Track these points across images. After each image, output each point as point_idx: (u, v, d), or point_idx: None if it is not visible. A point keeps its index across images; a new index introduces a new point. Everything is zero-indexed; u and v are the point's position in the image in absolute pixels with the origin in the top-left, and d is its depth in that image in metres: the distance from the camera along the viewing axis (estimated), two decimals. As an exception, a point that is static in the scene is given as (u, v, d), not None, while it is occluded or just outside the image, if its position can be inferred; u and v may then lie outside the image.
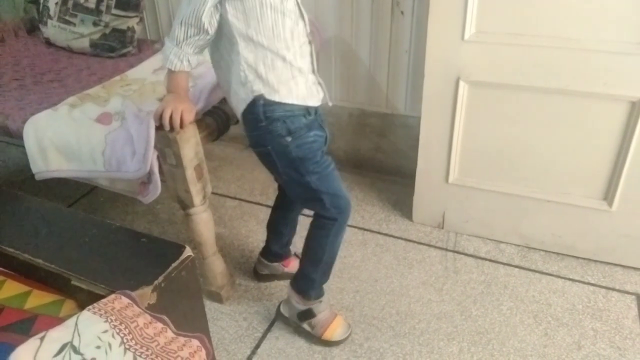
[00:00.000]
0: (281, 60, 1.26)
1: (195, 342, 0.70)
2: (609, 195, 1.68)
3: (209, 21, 1.21)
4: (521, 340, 1.53)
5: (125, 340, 0.65)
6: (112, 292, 0.73)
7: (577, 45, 1.51)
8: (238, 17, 1.21)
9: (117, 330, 0.65)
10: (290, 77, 1.28)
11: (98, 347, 0.66)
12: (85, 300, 0.79)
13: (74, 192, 2.22)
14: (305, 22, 1.31)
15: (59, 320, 0.81)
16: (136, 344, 0.65)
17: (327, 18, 2.06)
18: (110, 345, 0.64)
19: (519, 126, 1.68)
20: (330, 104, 1.46)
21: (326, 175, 1.37)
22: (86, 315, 0.67)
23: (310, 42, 1.34)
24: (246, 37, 1.23)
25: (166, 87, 1.38)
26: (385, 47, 2.04)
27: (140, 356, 0.64)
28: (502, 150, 1.75)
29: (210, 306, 1.68)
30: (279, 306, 1.61)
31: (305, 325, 1.55)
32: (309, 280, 1.51)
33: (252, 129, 1.34)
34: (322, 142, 1.39)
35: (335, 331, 1.54)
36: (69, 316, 0.82)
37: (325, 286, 1.57)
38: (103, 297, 0.74)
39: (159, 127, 1.37)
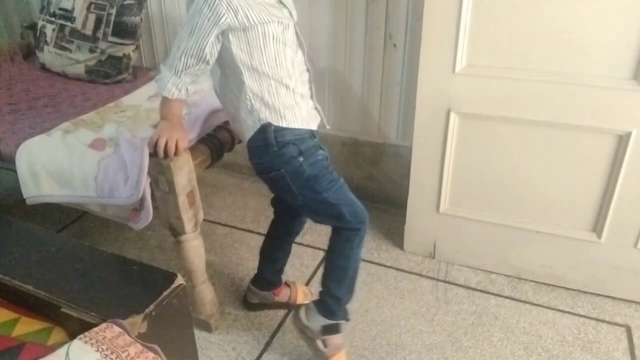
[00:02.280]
0: (284, 88, 1.30)
1: None
2: (597, 226, 1.70)
3: (211, 52, 1.24)
4: (512, 372, 1.53)
5: None
6: (103, 320, 0.72)
7: (565, 79, 1.54)
8: (242, 47, 1.24)
9: None
10: (294, 103, 1.33)
11: (88, 377, 0.65)
12: (74, 328, 0.78)
13: (64, 217, 2.20)
14: (304, 51, 1.36)
15: (47, 349, 0.80)
16: None
17: (321, 48, 2.10)
18: (101, 375, 0.63)
19: (508, 158, 1.71)
20: (327, 127, 1.50)
21: (339, 187, 1.39)
22: (77, 344, 0.66)
23: (308, 70, 1.39)
24: (250, 67, 1.26)
25: (160, 113, 1.39)
26: (377, 78, 2.08)
27: (131, 386, 0.63)
28: (492, 181, 1.77)
29: (199, 335, 1.66)
30: (296, 312, 1.52)
31: (320, 342, 1.49)
32: (336, 299, 1.47)
33: (261, 155, 1.35)
34: (328, 159, 1.42)
35: (342, 357, 1.52)
36: (58, 344, 0.81)
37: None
38: (93, 325, 0.73)
39: (153, 154, 1.37)
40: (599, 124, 1.56)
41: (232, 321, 1.72)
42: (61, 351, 0.67)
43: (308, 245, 2.03)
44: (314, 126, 1.40)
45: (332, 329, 1.48)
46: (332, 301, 1.47)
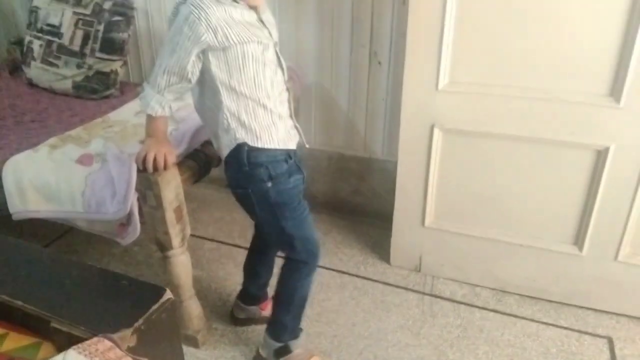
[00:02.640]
0: (262, 108, 1.31)
1: None
2: (579, 240, 1.73)
3: (192, 70, 1.26)
4: (498, 384, 1.54)
5: None
6: (93, 334, 0.72)
7: (545, 95, 1.59)
8: (221, 67, 1.26)
9: None
10: (271, 123, 1.34)
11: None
12: (63, 342, 0.78)
13: (50, 232, 2.19)
14: (284, 71, 1.38)
15: (34, 364, 0.80)
16: None
17: (307, 65, 2.14)
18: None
19: (491, 172, 1.74)
20: (307, 146, 1.51)
21: (301, 220, 1.42)
22: (73, 354, 0.66)
23: (288, 89, 1.40)
24: (229, 87, 1.28)
25: (146, 131, 1.40)
26: (363, 95, 2.12)
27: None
28: (475, 196, 1.80)
29: (186, 350, 1.65)
30: (257, 351, 1.60)
31: None
32: (282, 324, 1.53)
33: (234, 171, 1.37)
34: (301, 186, 1.43)
35: None
36: (47, 359, 0.81)
37: (302, 329, 1.58)
38: (83, 339, 0.73)
39: (141, 170, 1.38)
40: (578, 140, 1.60)
41: (219, 336, 1.72)
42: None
43: (295, 260, 2.04)
44: (292, 146, 1.41)
45: (283, 351, 1.54)
46: (279, 326, 1.54)
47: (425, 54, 1.64)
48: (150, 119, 1.36)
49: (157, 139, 1.37)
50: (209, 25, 1.20)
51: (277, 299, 1.54)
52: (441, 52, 1.62)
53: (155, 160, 1.35)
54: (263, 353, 1.58)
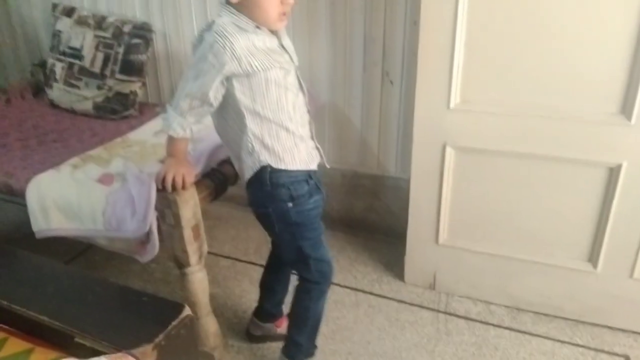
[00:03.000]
0: (285, 131, 1.35)
1: None
2: (593, 257, 1.73)
3: (215, 96, 1.29)
4: (513, 402, 1.54)
5: None
6: (116, 349, 0.75)
7: (556, 114, 1.60)
8: (245, 92, 1.30)
9: None
10: (294, 145, 1.37)
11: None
12: (87, 358, 0.81)
13: (70, 250, 2.24)
14: (305, 93, 1.42)
15: (59, 378, 0.83)
16: None
17: (321, 86, 2.18)
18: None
19: (504, 190, 1.75)
20: (327, 166, 1.55)
21: (318, 241, 1.45)
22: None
23: (308, 111, 1.44)
24: (253, 111, 1.31)
25: (167, 151, 1.45)
26: (376, 113, 2.15)
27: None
28: (488, 213, 1.81)
29: (202, 367, 1.68)
30: None
31: None
32: (296, 345, 1.56)
33: (255, 190, 1.41)
34: (320, 207, 1.46)
35: None
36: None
37: (317, 347, 1.62)
38: (106, 354, 0.76)
39: (161, 189, 1.42)
40: (590, 157, 1.61)
41: (235, 353, 1.74)
42: None
43: (309, 277, 2.06)
44: (313, 166, 1.44)
45: None
46: (294, 346, 1.58)
47: (437, 74, 1.67)
48: (171, 140, 1.40)
49: (177, 159, 1.41)
50: (233, 54, 1.24)
51: (291, 319, 1.58)
52: (452, 72, 1.64)
53: (174, 180, 1.39)
54: None
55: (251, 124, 1.33)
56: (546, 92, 1.59)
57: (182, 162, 1.42)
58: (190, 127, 1.36)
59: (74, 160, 1.75)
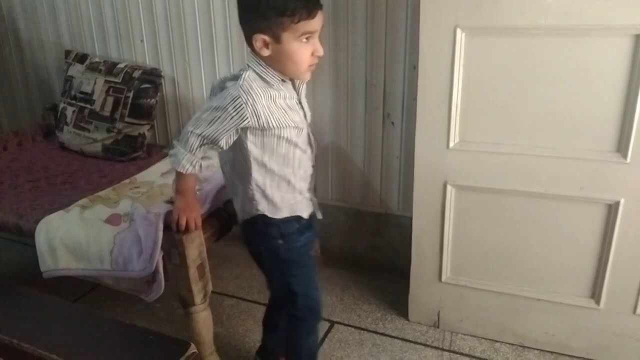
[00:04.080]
0: (287, 184, 1.40)
1: None
2: (595, 293, 1.74)
3: (227, 142, 1.33)
4: None
5: None
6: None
7: (553, 153, 1.64)
8: (256, 143, 1.34)
9: None
10: (292, 197, 1.42)
11: None
12: (94, 395, 0.83)
13: (76, 289, 2.26)
14: (313, 149, 1.46)
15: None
16: None
17: (324, 126, 2.24)
18: None
19: (504, 227, 1.78)
20: (320, 217, 1.58)
21: (307, 278, 1.49)
22: None
23: (313, 166, 1.49)
24: (260, 162, 1.36)
25: (175, 188, 1.48)
26: (378, 153, 2.20)
27: None
28: (490, 250, 1.83)
29: (206, 407, 1.67)
30: None
31: None
32: None
33: (247, 229, 1.47)
34: (312, 244, 1.51)
35: None
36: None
37: None
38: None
39: (167, 228, 1.46)
40: (588, 194, 1.64)
41: (239, 393, 1.74)
42: None
43: (314, 316, 2.06)
44: (305, 215, 1.48)
45: None
46: None
47: (436, 115, 1.72)
48: (180, 176, 1.43)
49: (187, 200, 1.45)
50: (254, 111, 1.28)
51: (287, 356, 1.61)
52: (450, 113, 1.69)
53: (187, 224, 1.44)
54: None
55: (256, 173, 1.37)
56: (543, 133, 1.64)
57: (191, 203, 1.46)
58: (199, 163, 1.39)
59: (83, 201, 1.79)
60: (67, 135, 2.42)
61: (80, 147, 2.38)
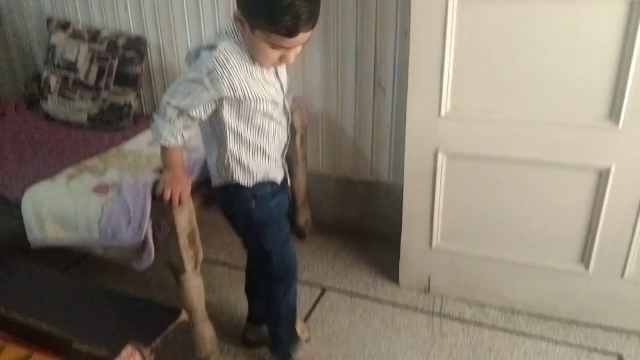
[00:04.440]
0: (262, 153, 1.41)
1: None
2: (585, 258, 1.76)
3: (203, 114, 1.31)
4: (508, 404, 1.55)
5: None
6: (113, 354, 0.76)
7: (545, 119, 1.63)
8: (232, 114, 1.33)
9: None
10: (267, 165, 1.43)
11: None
12: (85, 363, 0.83)
13: (66, 259, 2.25)
14: (289, 119, 1.46)
15: (58, 384, 0.84)
16: None
17: (315, 95, 2.21)
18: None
19: (495, 194, 1.78)
20: (289, 184, 1.58)
21: (280, 238, 1.51)
22: None
23: (288, 136, 1.49)
24: (235, 132, 1.36)
25: (162, 163, 1.45)
26: (369, 121, 2.18)
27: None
28: (481, 217, 1.83)
29: (199, 374, 1.68)
30: None
31: None
32: (278, 339, 1.64)
33: (220, 191, 1.47)
34: (285, 205, 1.52)
35: None
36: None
37: (314, 351, 1.67)
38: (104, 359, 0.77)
39: (156, 198, 1.44)
40: (579, 161, 1.64)
41: (232, 358, 1.75)
42: None
43: (305, 283, 2.08)
44: (278, 180, 1.49)
45: (284, 358, 1.65)
46: (276, 341, 1.65)
47: (428, 82, 1.69)
48: (164, 150, 1.40)
49: (174, 174, 1.41)
50: (230, 84, 1.27)
51: (267, 316, 1.65)
52: (443, 80, 1.67)
53: (171, 197, 1.41)
54: None
55: (232, 143, 1.37)
56: (535, 99, 1.62)
57: (178, 177, 1.42)
58: (181, 133, 1.35)
59: (69, 170, 1.77)
60: (52, 105, 2.37)
61: (65, 116, 2.34)
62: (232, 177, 1.41)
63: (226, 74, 1.26)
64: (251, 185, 1.42)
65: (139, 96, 2.36)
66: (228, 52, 1.26)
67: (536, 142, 1.66)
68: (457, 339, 1.80)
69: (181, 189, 1.42)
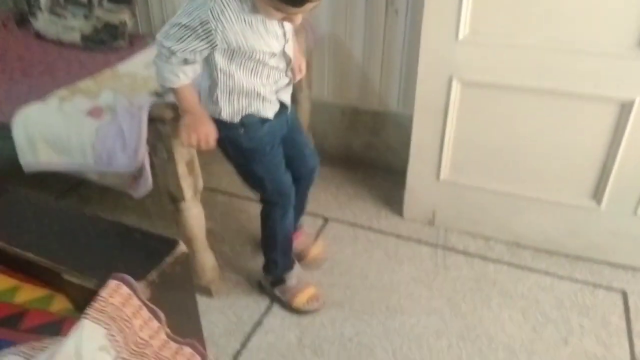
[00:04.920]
0: (254, 94, 1.33)
1: (188, 350, 0.69)
2: (597, 194, 1.70)
3: (199, 55, 1.23)
4: (509, 335, 1.55)
5: (118, 354, 0.64)
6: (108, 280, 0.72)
7: (569, 46, 1.51)
8: (224, 57, 1.25)
9: (114, 343, 0.64)
10: (260, 105, 1.36)
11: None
12: (77, 295, 0.79)
13: (63, 185, 2.20)
14: (289, 64, 1.36)
15: (50, 315, 0.80)
16: (130, 355, 0.65)
17: (321, 16, 2.06)
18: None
19: (510, 126, 1.69)
20: (289, 110, 1.48)
21: (272, 164, 1.47)
22: (88, 326, 0.64)
23: (289, 77, 1.41)
24: (227, 73, 1.27)
25: (179, 107, 1.34)
26: (378, 45, 2.05)
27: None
28: (493, 149, 1.76)
29: (199, 300, 1.64)
30: (260, 281, 1.73)
31: (277, 292, 1.66)
32: (273, 262, 1.64)
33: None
34: (276, 132, 1.44)
35: (303, 299, 1.63)
36: (62, 311, 0.81)
37: (315, 280, 1.67)
38: (94, 291, 0.73)
39: (151, 121, 1.36)
40: (602, 92, 1.54)
41: (233, 286, 1.74)
42: (71, 341, 0.63)
43: (308, 213, 2.03)
44: (270, 116, 1.40)
45: (278, 282, 1.66)
46: (271, 264, 1.65)
47: (445, 3, 1.56)
48: (175, 92, 1.31)
49: (193, 116, 1.32)
50: (224, 37, 1.18)
51: (263, 241, 1.65)
52: (461, 1, 1.54)
53: (199, 141, 1.33)
54: (264, 282, 1.71)
55: (222, 82, 1.30)
56: (560, 24, 1.50)
57: (200, 119, 1.33)
58: (181, 69, 1.26)
59: (62, 92, 1.68)
60: (42, 22, 2.23)
61: (57, 35, 2.21)
62: (220, 113, 1.34)
63: (220, 27, 1.16)
64: (237, 120, 1.36)
65: (134, 15, 2.21)
66: (225, 1, 1.16)
67: (557, 70, 1.55)
68: (461, 271, 1.78)
69: (206, 130, 1.33)
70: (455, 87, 1.68)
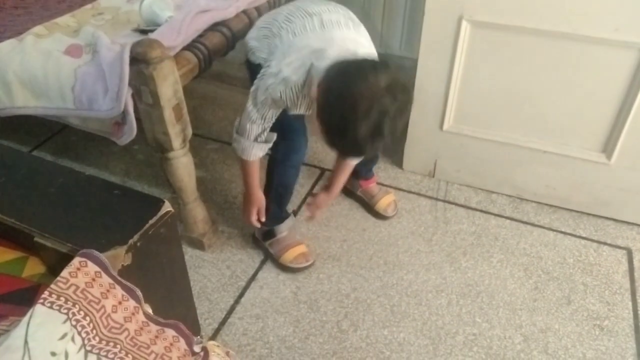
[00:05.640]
0: None
1: (170, 333, 0.61)
2: (608, 147, 1.62)
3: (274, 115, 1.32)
4: (511, 293, 1.51)
5: (86, 342, 0.56)
6: (74, 256, 0.63)
7: (590, -14, 1.39)
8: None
9: (79, 329, 0.56)
10: None
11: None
12: (51, 258, 0.70)
13: (45, 130, 2.09)
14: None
15: (21, 281, 0.73)
16: (100, 341, 0.57)
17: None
18: (67, 353, 0.54)
19: (521, 72, 1.58)
20: None
21: (286, 122, 1.41)
22: (41, 313, 0.55)
23: None
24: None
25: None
26: (381, -19, 1.90)
27: (105, 356, 0.56)
28: (501, 97, 1.66)
29: (191, 253, 1.62)
30: (253, 233, 1.66)
31: (268, 245, 1.61)
32: (266, 212, 1.55)
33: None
34: None
35: (290, 256, 1.57)
36: (34, 276, 0.73)
37: (311, 234, 1.62)
38: (69, 256, 0.65)
39: (134, 61, 1.24)
40: (622, 37, 1.43)
41: (226, 239, 1.68)
42: (19, 331, 0.54)
43: (303, 164, 1.95)
44: None
45: (268, 235, 1.60)
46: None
47: None
48: (241, 163, 1.43)
49: (246, 193, 1.48)
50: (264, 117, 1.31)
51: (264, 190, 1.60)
52: None
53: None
54: (257, 234, 1.64)
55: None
56: (581, -41, 1.37)
57: (248, 196, 1.48)
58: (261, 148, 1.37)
59: (38, 29, 1.55)
60: (15, -52, 2.03)
61: (31, -36, 2.02)
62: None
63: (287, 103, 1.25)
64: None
65: (115, -59, 2.02)
66: (289, 93, 1.22)
67: (576, 13, 1.43)
68: (461, 225, 1.72)
69: (249, 208, 1.48)
70: (465, 28, 1.55)
